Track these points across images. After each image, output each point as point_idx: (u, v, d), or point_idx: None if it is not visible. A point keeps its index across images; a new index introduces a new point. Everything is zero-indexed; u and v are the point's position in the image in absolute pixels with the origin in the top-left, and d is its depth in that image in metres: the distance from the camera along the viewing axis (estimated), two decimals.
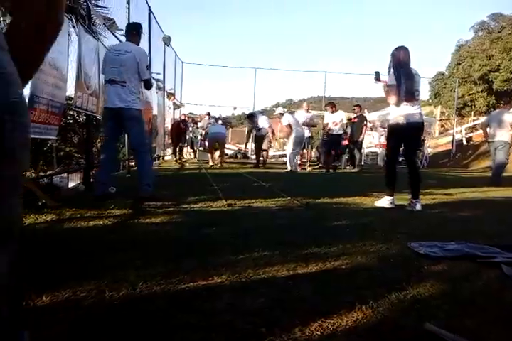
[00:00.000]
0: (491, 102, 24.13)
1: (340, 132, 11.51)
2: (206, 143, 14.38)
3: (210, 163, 12.06)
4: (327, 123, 11.36)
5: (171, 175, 8.87)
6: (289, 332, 1.57)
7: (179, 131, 14.14)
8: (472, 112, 25.13)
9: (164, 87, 13.97)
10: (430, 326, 1.58)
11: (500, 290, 2.09)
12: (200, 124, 17.00)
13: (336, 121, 11.22)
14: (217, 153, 12.40)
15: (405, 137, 4.85)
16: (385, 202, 4.87)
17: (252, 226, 3.49)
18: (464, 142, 19.92)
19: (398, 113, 4.77)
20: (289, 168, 10.56)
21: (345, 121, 11.83)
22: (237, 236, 3.09)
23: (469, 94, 24.53)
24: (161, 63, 13.21)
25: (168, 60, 14.57)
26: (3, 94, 0.61)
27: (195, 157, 17.06)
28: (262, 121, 12.20)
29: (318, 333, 1.57)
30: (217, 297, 1.89)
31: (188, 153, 18.90)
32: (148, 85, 5.01)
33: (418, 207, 4.65)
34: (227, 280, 2.12)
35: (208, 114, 16.91)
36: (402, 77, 4.70)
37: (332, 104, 11.66)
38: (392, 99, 4.76)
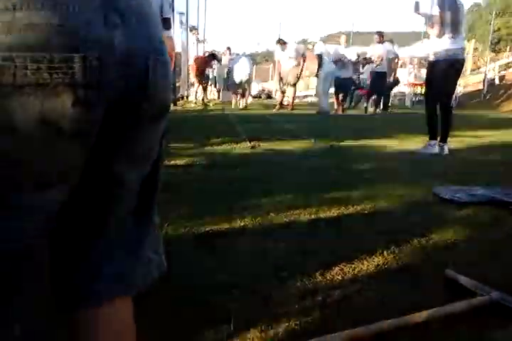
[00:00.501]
0: None
1: (385, 70, 10.05)
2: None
3: (234, 105, 11.41)
4: (370, 58, 10.15)
5: (194, 117, 8.83)
6: (309, 276, 1.60)
7: (204, 68, 12.54)
8: (508, 47, 23.80)
9: (187, 21, 13.53)
10: (450, 272, 1.59)
11: None
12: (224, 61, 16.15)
13: (381, 54, 9.77)
14: (243, 94, 11.37)
15: (446, 75, 4.47)
16: (432, 148, 4.50)
17: (275, 169, 3.49)
18: (497, 81, 19.05)
19: (441, 47, 4.41)
20: (320, 109, 9.89)
21: (392, 56, 10.12)
22: (260, 179, 3.10)
23: (506, 28, 23.11)
24: None
25: None
26: (147, 32, 0.59)
27: (219, 97, 16.85)
28: (291, 50, 10.33)
29: (339, 277, 1.60)
30: (240, 240, 1.93)
31: (211, 92, 18.68)
32: (167, 25, 4.83)
33: (446, 150, 4.47)
34: (250, 224, 2.15)
35: (228, 49, 15.15)
36: (446, 6, 4.34)
37: (380, 34, 9.97)
38: (435, 30, 4.38)
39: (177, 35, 11.41)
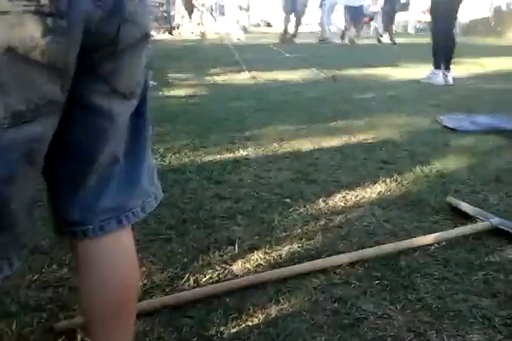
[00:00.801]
0: None
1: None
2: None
3: (236, 37, 9.99)
4: None
5: (192, 47, 8.53)
6: (312, 202, 1.62)
7: None
8: None
9: None
10: (452, 199, 1.61)
11: None
12: None
13: None
14: (240, 22, 10.59)
15: (450, 2, 4.29)
16: (435, 77, 4.35)
17: (277, 99, 3.43)
18: (504, 7, 18.17)
19: None
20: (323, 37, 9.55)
21: None
22: (261, 110, 3.06)
23: None
24: None
25: None
26: None
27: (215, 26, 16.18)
28: None
29: (342, 204, 1.62)
30: (243, 169, 1.94)
31: (208, 21, 17.92)
32: None
33: (450, 79, 4.34)
34: (252, 153, 2.14)
35: None
36: None
37: None
38: None
39: None
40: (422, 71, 4.92)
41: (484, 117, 2.90)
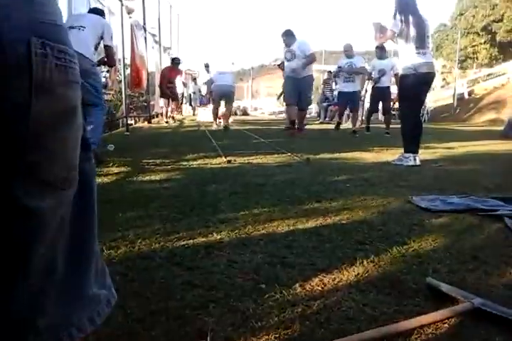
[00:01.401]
0: (493, 54, 23.63)
1: (388, 84, 8.79)
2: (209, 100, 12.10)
3: (214, 126, 9.54)
4: (370, 72, 8.86)
5: (169, 133, 8.77)
6: (289, 287, 1.56)
7: (170, 77, 11.37)
8: (474, 65, 24.63)
9: (160, 41, 13.56)
10: (431, 280, 1.56)
11: (503, 244, 2.07)
12: (199, 80, 15.68)
13: (385, 69, 8.51)
14: (223, 111, 9.88)
15: (419, 88, 4.51)
16: (411, 160, 4.50)
17: (252, 182, 3.45)
18: (466, 95, 19.59)
19: (411, 61, 4.40)
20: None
21: (396, 71, 8.20)
22: (236, 193, 3.06)
23: (472, 46, 23.97)
24: (155, 14, 12.72)
25: (163, 12, 14.04)
26: (27, 12, 0.46)
27: (194, 114, 16.85)
28: (301, 46, 7.72)
29: (319, 288, 1.56)
30: (217, 254, 1.87)
31: (186, 110, 18.69)
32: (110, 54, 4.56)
33: (418, 161, 4.51)
34: (226, 237, 2.10)
35: (207, 66, 13.47)
36: (412, 21, 4.35)
37: (381, 48, 8.32)
38: (388, 36, 4.57)
39: (150, 55, 11.35)
40: (392, 154, 5.11)
41: (456, 197, 2.96)
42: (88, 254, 0.62)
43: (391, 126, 8.48)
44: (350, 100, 8.91)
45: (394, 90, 8.90)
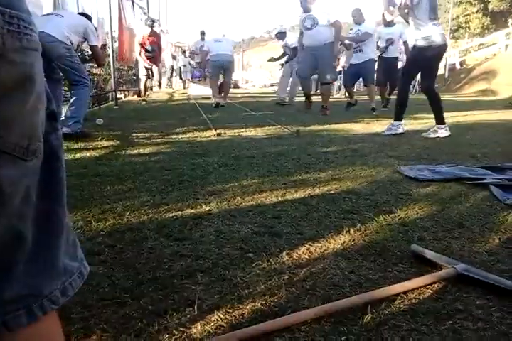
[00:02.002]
0: (485, 23, 23.40)
1: (397, 54, 8.07)
2: (205, 72, 10.39)
3: (215, 100, 8.22)
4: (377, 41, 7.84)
5: (159, 106, 8.68)
6: (276, 256, 1.57)
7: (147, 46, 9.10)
8: (466, 35, 24.41)
9: (149, 13, 13.23)
10: (416, 247, 1.59)
11: (488, 212, 2.09)
12: (191, 48, 14.03)
13: (392, 37, 7.72)
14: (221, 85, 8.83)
15: (437, 59, 4.44)
16: (396, 128, 4.63)
17: (242, 154, 3.44)
18: (457, 66, 19.45)
19: (430, 33, 4.25)
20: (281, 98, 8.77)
21: (405, 39, 7.80)
22: (226, 165, 3.06)
23: (464, 16, 23.69)
24: None
25: None
26: None
27: (184, 88, 16.64)
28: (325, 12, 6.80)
29: (306, 256, 1.58)
30: (205, 225, 1.88)
31: (176, 83, 18.47)
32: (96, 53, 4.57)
33: (443, 133, 4.47)
34: (215, 208, 2.10)
35: (202, 33, 12.53)
36: None
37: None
38: (423, 15, 4.25)
39: (138, 28, 11.08)
40: (382, 125, 5.10)
41: (444, 167, 2.97)
42: (57, 225, 0.60)
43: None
44: (360, 72, 7.53)
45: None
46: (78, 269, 0.64)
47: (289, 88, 8.89)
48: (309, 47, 6.62)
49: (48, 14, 4.15)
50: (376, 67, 8.02)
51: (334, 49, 6.55)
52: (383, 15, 5.62)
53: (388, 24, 7.51)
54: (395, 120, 4.69)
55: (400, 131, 4.63)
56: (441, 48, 4.39)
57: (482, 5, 22.95)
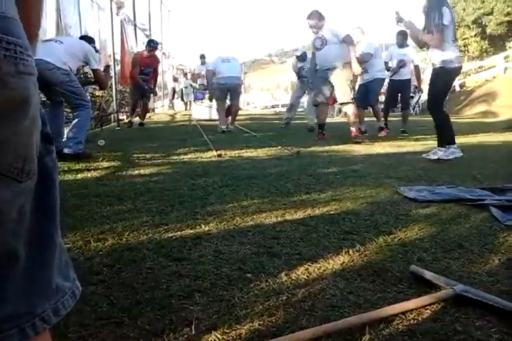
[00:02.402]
0: (484, 47, 23.77)
1: (409, 76, 7.59)
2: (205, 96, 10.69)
3: (222, 127, 7.48)
4: (387, 62, 7.42)
5: (161, 128, 8.75)
6: (275, 276, 1.57)
7: (144, 68, 8.08)
8: (465, 58, 24.74)
9: (151, 36, 13.48)
10: (415, 268, 1.58)
11: (488, 233, 2.09)
12: (194, 70, 13.80)
13: (404, 59, 7.29)
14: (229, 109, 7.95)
15: (452, 81, 4.69)
16: (452, 152, 4.40)
17: (242, 175, 3.46)
18: (457, 88, 19.64)
19: (450, 55, 4.34)
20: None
21: (416, 63, 7.59)
22: (226, 186, 3.07)
23: (462, 39, 24.05)
24: (145, 11, 12.68)
25: (153, 8, 13.97)
26: None
27: (186, 109, 16.78)
28: (332, 30, 6.23)
29: (304, 277, 1.57)
30: (204, 245, 1.88)
31: (178, 105, 18.62)
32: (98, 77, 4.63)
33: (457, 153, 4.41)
34: (214, 229, 2.11)
35: (202, 57, 12.30)
36: (451, 14, 4.31)
37: (403, 34, 7.03)
38: (436, 39, 4.28)
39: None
40: (383, 147, 5.13)
41: (444, 188, 2.98)
42: (50, 246, 0.61)
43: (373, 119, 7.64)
44: (366, 92, 7.11)
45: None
46: (71, 289, 0.65)
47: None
48: (321, 67, 6.21)
49: (47, 40, 4.22)
50: (387, 90, 7.93)
51: (353, 66, 5.92)
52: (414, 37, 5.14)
53: (402, 45, 7.24)
54: (451, 143, 4.51)
55: (458, 154, 4.42)
56: (458, 70, 4.60)
57: (480, 29, 23.35)
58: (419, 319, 1.27)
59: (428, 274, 1.53)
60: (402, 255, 1.78)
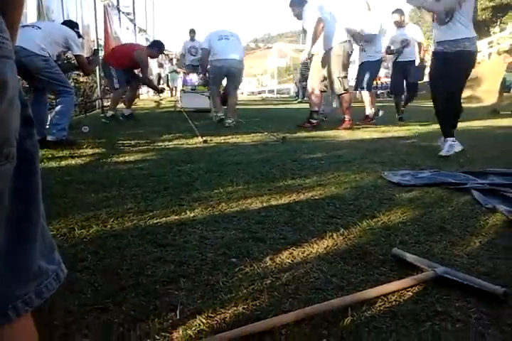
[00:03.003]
0: None
1: (413, 57, 6.93)
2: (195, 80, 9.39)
3: (219, 114, 6.44)
4: (389, 46, 6.99)
5: (146, 114, 8.66)
6: (259, 261, 1.58)
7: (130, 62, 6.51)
8: None
9: (135, 22, 13.25)
10: (397, 251, 1.60)
11: (469, 216, 2.13)
12: (181, 51, 12.89)
13: (406, 39, 6.83)
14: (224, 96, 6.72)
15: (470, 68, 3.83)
16: (453, 145, 3.79)
17: (228, 161, 3.45)
18: None
19: (474, 39, 3.72)
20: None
21: (422, 39, 7.11)
22: (212, 172, 3.06)
23: None
24: None
25: None
26: None
27: (171, 95, 16.63)
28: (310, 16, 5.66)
29: (289, 261, 1.59)
30: (189, 231, 1.89)
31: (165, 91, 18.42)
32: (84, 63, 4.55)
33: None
34: (200, 215, 2.11)
35: (192, 31, 10.65)
36: None
37: (400, 12, 6.75)
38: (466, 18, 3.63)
39: (126, 37, 11.07)
40: (368, 132, 5.16)
41: (427, 172, 3.01)
42: (32, 228, 0.61)
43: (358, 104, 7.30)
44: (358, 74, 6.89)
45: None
46: (55, 272, 0.64)
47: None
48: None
49: (24, 26, 4.06)
50: (391, 73, 7.56)
51: (302, 53, 5.90)
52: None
53: (400, 25, 6.81)
54: (450, 136, 3.85)
55: (459, 147, 3.86)
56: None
57: None
58: (401, 300, 1.30)
59: (410, 257, 1.55)
60: (384, 238, 1.81)
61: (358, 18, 6.66)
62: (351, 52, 5.92)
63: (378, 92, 13.88)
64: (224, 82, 6.76)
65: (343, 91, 5.77)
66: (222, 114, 6.43)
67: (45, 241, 0.64)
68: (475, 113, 8.39)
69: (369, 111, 6.84)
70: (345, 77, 5.85)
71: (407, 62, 6.87)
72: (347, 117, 5.86)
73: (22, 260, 0.59)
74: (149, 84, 7.45)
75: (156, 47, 6.82)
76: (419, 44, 6.99)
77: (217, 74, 6.31)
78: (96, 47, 7.04)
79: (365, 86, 6.75)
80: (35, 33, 3.88)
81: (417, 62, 6.98)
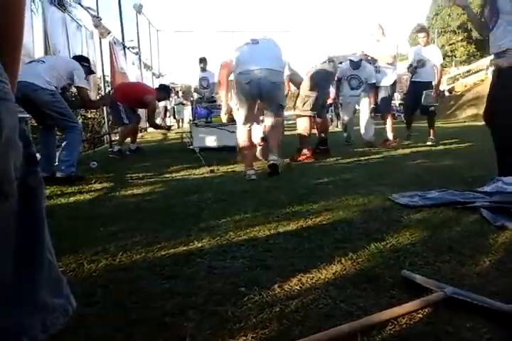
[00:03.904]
0: (471, 51, 24.15)
1: (430, 79, 6.65)
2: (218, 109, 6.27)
3: (248, 172, 4.04)
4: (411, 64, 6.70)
5: (153, 146, 8.77)
6: (268, 289, 1.58)
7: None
8: (453, 62, 25.09)
9: (140, 57, 13.58)
10: (407, 273, 1.59)
11: (478, 235, 2.11)
12: (196, 86, 10.63)
13: (423, 59, 6.58)
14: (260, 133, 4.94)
15: None
16: None
17: (235, 190, 3.47)
18: (446, 93, 19.83)
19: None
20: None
21: (440, 61, 6.73)
22: (219, 201, 3.08)
23: (449, 44, 24.49)
24: (134, 32, 12.79)
25: (142, 29, 14.08)
26: None
27: (178, 127, 16.84)
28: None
29: (297, 288, 1.58)
30: (197, 261, 1.89)
31: (170, 123, 18.69)
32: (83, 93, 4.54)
33: None
34: (207, 244, 2.11)
35: (203, 60, 10.09)
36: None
37: (425, 31, 6.74)
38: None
39: (132, 72, 11.33)
40: (375, 154, 5.17)
41: (435, 192, 3.00)
42: (37, 263, 0.62)
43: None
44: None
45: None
46: (62, 307, 0.65)
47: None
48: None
49: (30, 62, 4.18)
50: (406, 94, 7.42)
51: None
52: None
53: (425, 44, 6.60)
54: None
55: None
56: None
57: (466, 33, 23.81)
58: (411, 323, 1.28)
59: (419, 278, 1.54)
60: (393, 261, 1.79)
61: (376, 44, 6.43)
62: (335, 71, 5.56)
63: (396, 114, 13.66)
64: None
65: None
66: (254, 173, 4.10)
67: (50, 275, 0.64)
68: (482, 131, 8.37)
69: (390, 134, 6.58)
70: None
71: (423, 83, 6.59)
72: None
73: (28, 293, 0.60)
74: (156, 126, 7.51)
75: (164, 92, 7.15)
76: (435, 67, 6.67)
77: (247, 93, 4.05)
78: (110, 88, 7.24)
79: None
80: (40, 67, 3.97)
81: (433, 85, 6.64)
